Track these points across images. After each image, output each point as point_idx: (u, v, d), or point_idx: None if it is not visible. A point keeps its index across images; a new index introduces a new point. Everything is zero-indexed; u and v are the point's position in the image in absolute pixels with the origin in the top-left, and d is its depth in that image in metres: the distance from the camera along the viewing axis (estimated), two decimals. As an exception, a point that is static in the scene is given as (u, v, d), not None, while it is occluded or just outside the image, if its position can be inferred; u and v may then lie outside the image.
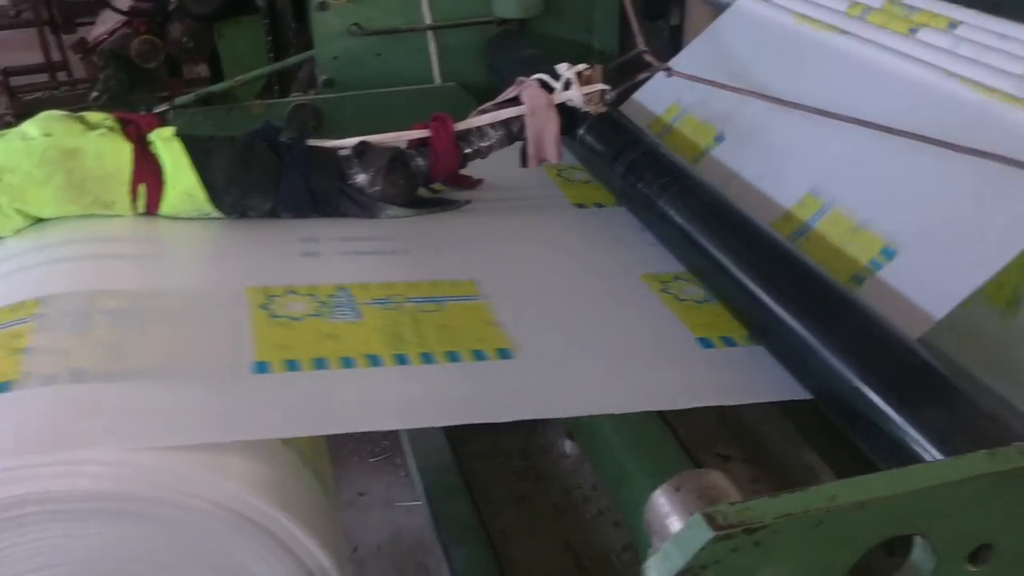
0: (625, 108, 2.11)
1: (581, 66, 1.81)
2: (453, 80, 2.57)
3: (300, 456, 1.14)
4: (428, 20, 2.53)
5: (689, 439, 1.80)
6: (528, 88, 1.79)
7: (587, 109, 1.79)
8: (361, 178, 1.69)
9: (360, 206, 1.68)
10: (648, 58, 1.90)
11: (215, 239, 1.56)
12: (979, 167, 1.38)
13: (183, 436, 1.01)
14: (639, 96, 2.11)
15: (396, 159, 1.71)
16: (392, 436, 2.67)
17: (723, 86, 1.81)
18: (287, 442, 1.12)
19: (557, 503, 2.47)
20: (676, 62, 2.16)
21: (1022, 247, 1.27)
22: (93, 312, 1.23)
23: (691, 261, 1.54)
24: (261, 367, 1.18)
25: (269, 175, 1.63)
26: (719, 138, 1.86)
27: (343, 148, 1.73)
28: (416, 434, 2.37)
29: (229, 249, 1.54)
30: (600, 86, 1.79)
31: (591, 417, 1.41)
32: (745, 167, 1.75)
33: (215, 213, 1.61)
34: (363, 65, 2.51)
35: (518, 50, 2.47)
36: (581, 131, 1.91)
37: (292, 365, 1.18)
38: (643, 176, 1.72)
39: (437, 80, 2.58)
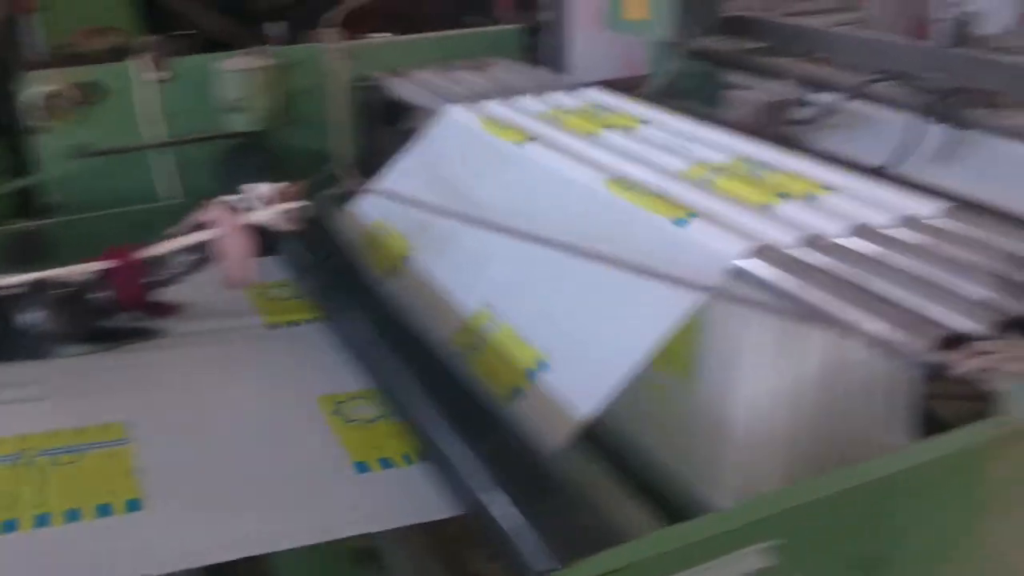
0: (339, 220, 2.11)
1: (276, 184, 1.80)
2: (193, 196, 2.51)
3: None
4: (158, 137, 2.48)
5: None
6: (216, 210, 1.76)
7: (282, 228, 1.77)
8: (32, 317, 1.61)
9: (29, 347, 1.59)
10: (346, 174, 1.89)
11: None
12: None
13: None
14: (352, 207, 2.10)
15: (73, 295, 1.64)
16: None
17: (413, 202, 1.82)
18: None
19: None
20: (389, 173, 2.18)
21: (656, 343, 1.30)
22: None
23: (368, 377, 1.52)
24: None
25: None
26: (415, 249, 1.86)
27: (16, 285, 1.65)
28: None
29: None
30: (295, 203, 1.78)
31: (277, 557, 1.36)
32: (435, 279, 1.75)
33: None
34: (91, 186, 2.43)
35: (253, 163, 2.45)
36: (291, 246, 1.89)
37: None
38: (335, 291, 1.70)
39: (176, 197, 2.52)
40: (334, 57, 2.57)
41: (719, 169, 1.67)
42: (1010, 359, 0.86)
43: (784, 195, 1.51)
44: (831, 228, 1.39)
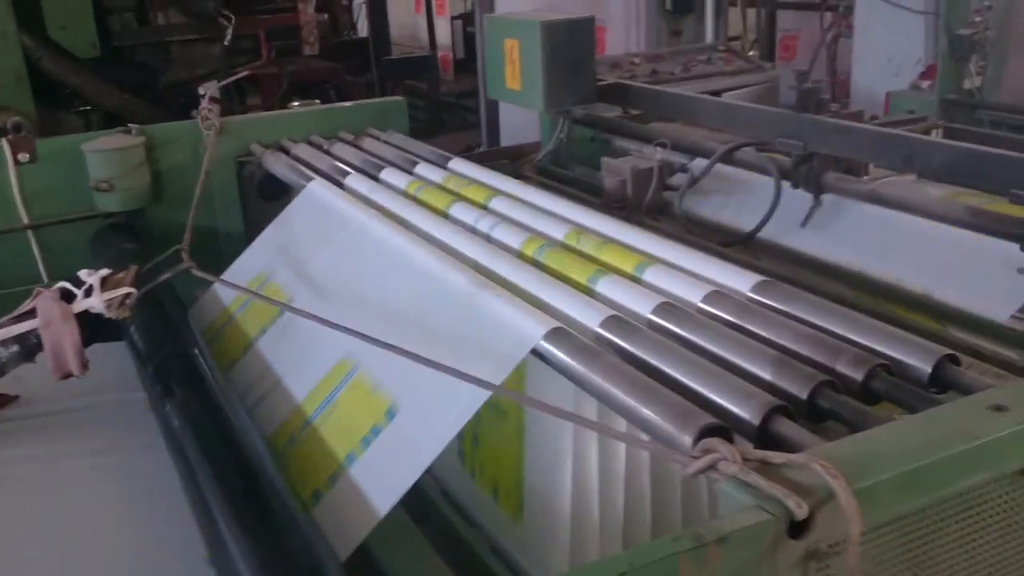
0: (196, 303, 2.08)
1: (104, 271, 1.75)
2: (63, 279, 2.46)
3: None
4: (25, 219, 2.44)
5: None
6: (43, 299, 1.71)
7: (110, 315, 1.72)
8: None
9: None
10: (183, 254, 1.85)
11: None
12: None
13: None
14: (208, 290, 2.07)
15: None
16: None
17: (246, 291, 1.79)
18: None
19: None
20: (246, 252, 2.15)
21: (451, 437, 1.27)
22: None
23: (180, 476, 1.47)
24: None
25: None
26: (263, 329, 1.82)
27: None
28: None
29: None
30: (124, 290, 1.73)
31: None
32: (272, 366, 1.71)
33: None
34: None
35: (121, 243, 2.40)
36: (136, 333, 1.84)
37: None
38: (165, 384, 1.65)
39: (45, 279, 2.46)
40: (209, 133, 2.54)
41: (549, 244, 1.64)
42: (730, 462, 0.83)
43: (601, 273, 1.49)
44: (641, 306, 1.37)
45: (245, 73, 2.69)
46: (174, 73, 3.92)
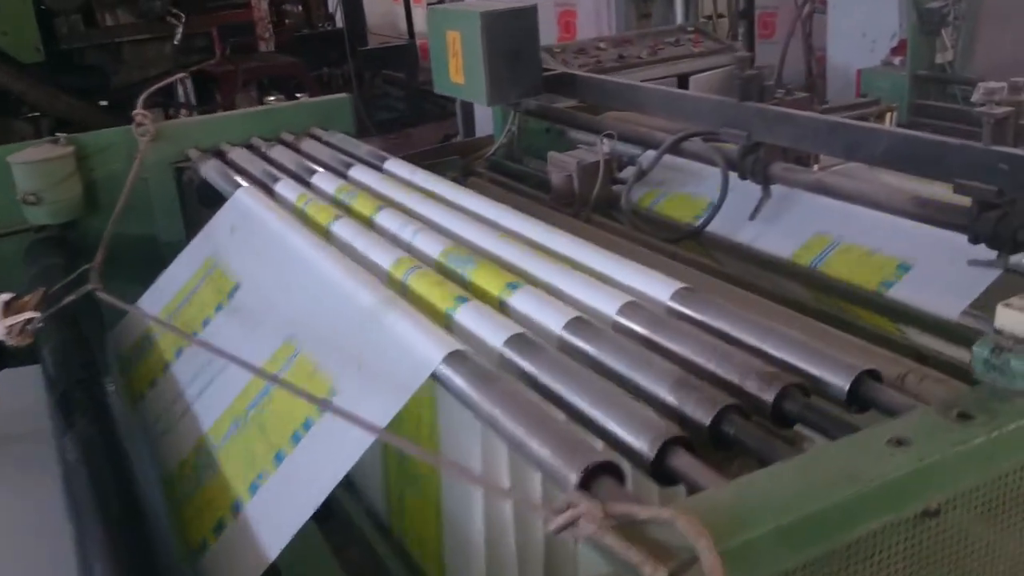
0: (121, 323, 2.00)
1: (7, 295, 1.66)
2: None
3: None
4: (-48, 233, 2.35)
5: None
6: (-60, 327, 1.62)
7: (11, 342, 1.63)
8: None
9: None
10: (92, 273, 1.76)
11: None
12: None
13: None
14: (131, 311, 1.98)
15: None
16: None
17: (156, 320, 1.71)
18: None
19: None
20: (178, 260, 2.06)
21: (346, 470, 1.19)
22: None
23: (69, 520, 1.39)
24: None
25: None
26: (180, 351, 1.74)
27: None
28: None
29: None
30: (27, 315, 1.64)
31: None
32: (194, 383, 1.63)
33: None
34: None
35: (52, 257, 2.31)
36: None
37: None
38: (67, 413, 1.56)
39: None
40: (143, 140, 2.45)
41: (468, 254, 1.55)
42: (589, 517, 0.74)
43: (517, 284, 1.40)
44: (553, 321, 1.28)
45: (182, 75, 2.59)
46: (125, 75, 3.81)
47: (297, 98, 3.92)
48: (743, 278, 1.87)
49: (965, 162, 1.53)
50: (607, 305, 1.32)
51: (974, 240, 1.57)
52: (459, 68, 2.52)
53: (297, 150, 2.44)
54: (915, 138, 1.62)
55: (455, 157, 2.76)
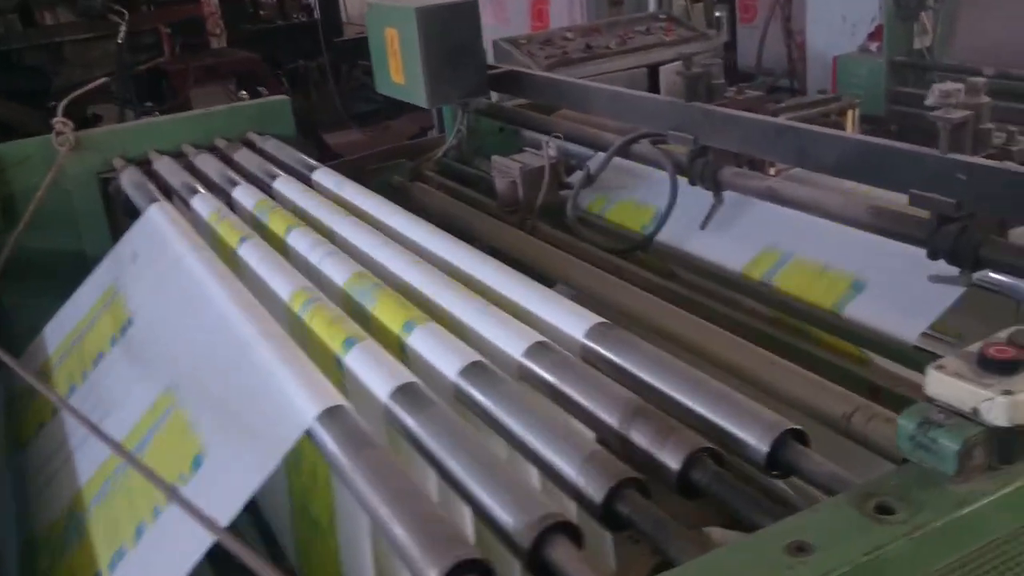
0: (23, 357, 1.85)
1: None
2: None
3: None
4: None
5: None
6: None
7: None
8: None
9: None
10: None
11: None
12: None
13: None
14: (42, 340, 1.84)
15: None
16: None
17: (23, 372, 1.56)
18: None
19: None
20: (85, 284, 1.92)
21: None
22: None
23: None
24: None
25: None
26: (73, 388, 1.59)
27: None
28: None
29: None
30: None
31: None
32: (77, 429, 1.49)
33: None
34: None
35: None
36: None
37: None
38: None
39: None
40: (62, 149, 2.30)
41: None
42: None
43: (419, 320, 1.25)
44: (449, 365, 1.14)
45: (103, 81, 2.43)
46: (68, 76, 3.63)
47: (261, 94, 3.77)
48: (688, 296, 1.72)
49: (921, 171, 1.38)
50: (513, 345, 1.18)
51: (933, 255, 1.43)
52: (399, 67, 2.37)
53: (226, 159, 2.29)
54: (867, 144, 1.47)
55: (403, 160, 2.61)
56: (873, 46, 3.63)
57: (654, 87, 3.87)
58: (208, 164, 2.23)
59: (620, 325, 1.68)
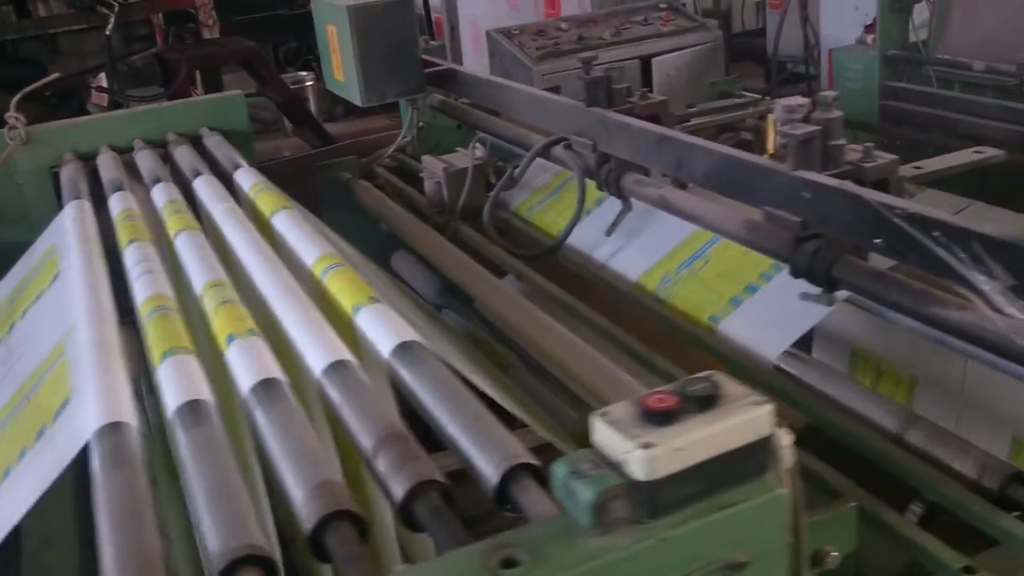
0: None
1: None
2: None
3: None
4: None
5: None
6: None
7: None
8: None
9: None
10: None
11: None
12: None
13: None
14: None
15: None
16: None
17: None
18: None
19: None
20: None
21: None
22: None
23: None
24: None
25: None
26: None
27: None
28: None
29: None
30: None
31: None
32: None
33: None
34: None
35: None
36: None
37: None
38: None
39: None
40: (12, 144, 2.35)
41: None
42: None
43: (241, 335, 1.25)
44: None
45: (55, 76, 2.47)
46: (63, 66, 3.72)
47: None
48: (576, 308, 1.70)
49: (773, 188, 1.34)
50: (316, 362, 1.17)
51: (794, 274, 1.38)
52: (339, 64, 2.37)
53: (167, 156, 2.32)
54: (729, 158, 1.42)
55: (352, 157, 2.61)
56: (869, 39, 3.51)
57: (647, 79, 3.81)
58: (145, 161, 2.26)
59: (510, 333, 1.68)
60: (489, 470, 0.92)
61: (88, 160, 2.35)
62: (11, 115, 2.37)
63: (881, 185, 1.29)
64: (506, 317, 1.63)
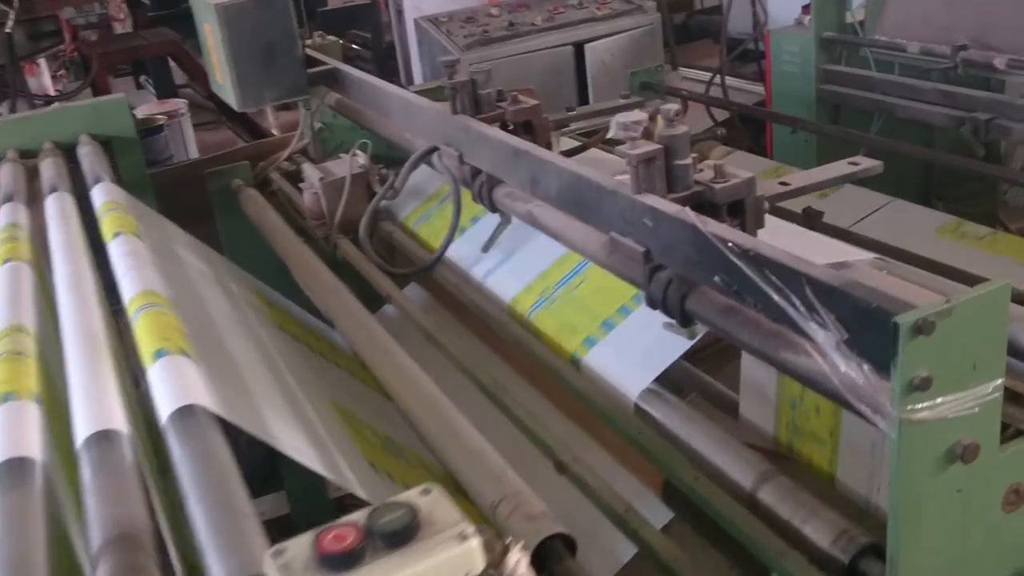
0: None
1: None
2: None
3: None
4: None
5: None
6: None
7: None
8: None
9: None
10: None
11: None
12: None
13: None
14: None
15: None
16: None
17: None
18: None
19: None
20: None
21: None
22: None
23: None
24: None
25: None
26: None
27: None
28: None
29: None
30: None
31: None
32: None
33: None
34: None
35: None
36: None
37: None
38: None
39: None
40: None
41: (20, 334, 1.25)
42: None
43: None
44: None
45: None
46: (-40, 67, 3.57)
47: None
48: (442, 341, 1.55)
49: (618, 212, 1.19)
50: (81, 430, 1.03)
51: (650, 304, 1.24)
52: (217, 66, 2.22)
53: (31, 169, 2.16)
54: (578, 177, 1.27)
55: (245, 162, 2.45)
56: (807, 20, 3.36)
57: (580, 67, 3.65)
58: (5, 175, 2.10)
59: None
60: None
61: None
62: None
63: (735, 209, 1.15)
64: (363, 352, 1.49)
